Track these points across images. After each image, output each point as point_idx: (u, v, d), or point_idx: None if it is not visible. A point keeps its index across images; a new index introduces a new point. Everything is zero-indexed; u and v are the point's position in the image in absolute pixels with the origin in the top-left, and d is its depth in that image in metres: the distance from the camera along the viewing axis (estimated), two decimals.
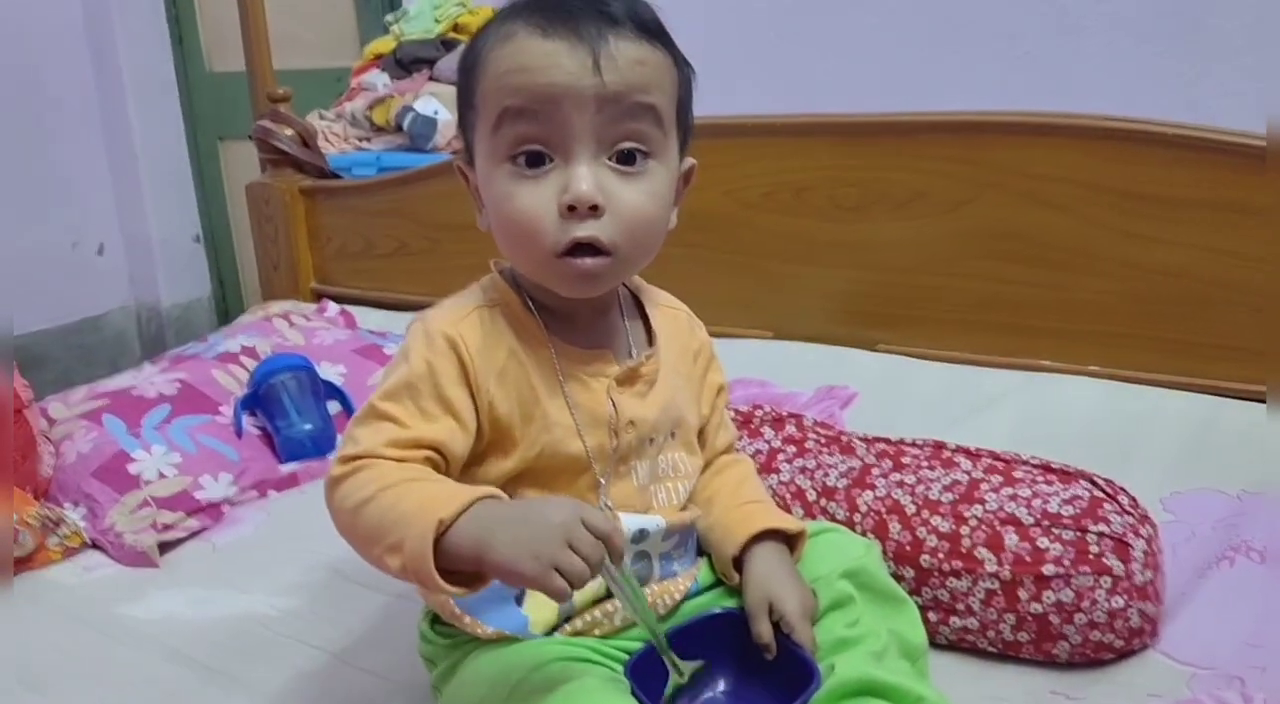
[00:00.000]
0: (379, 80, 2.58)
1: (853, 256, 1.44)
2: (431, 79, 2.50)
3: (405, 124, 2.34)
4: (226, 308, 3.55)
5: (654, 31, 0.80)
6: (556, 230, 0.78)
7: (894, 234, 1.40)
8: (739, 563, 0.88)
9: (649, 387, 0.87)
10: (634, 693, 0.78)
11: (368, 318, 1.84)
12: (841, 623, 0.84)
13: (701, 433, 0.95)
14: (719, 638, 0.84)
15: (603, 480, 0.85)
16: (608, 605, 0.85)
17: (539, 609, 0.84)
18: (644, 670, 0.80)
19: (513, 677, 0.79)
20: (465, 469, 0.83)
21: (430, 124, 2.31)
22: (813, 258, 1.47)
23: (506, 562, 0.69)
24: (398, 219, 1.87)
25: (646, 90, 0.78)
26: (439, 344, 0.80)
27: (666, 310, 0.94)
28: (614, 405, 0.84)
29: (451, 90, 2.47)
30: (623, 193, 0.78)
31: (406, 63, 2.57)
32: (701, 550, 0.93)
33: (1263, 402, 1.20)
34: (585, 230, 0.77)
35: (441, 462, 0.79)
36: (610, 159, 0.78)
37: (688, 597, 0.89)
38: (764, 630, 0.83)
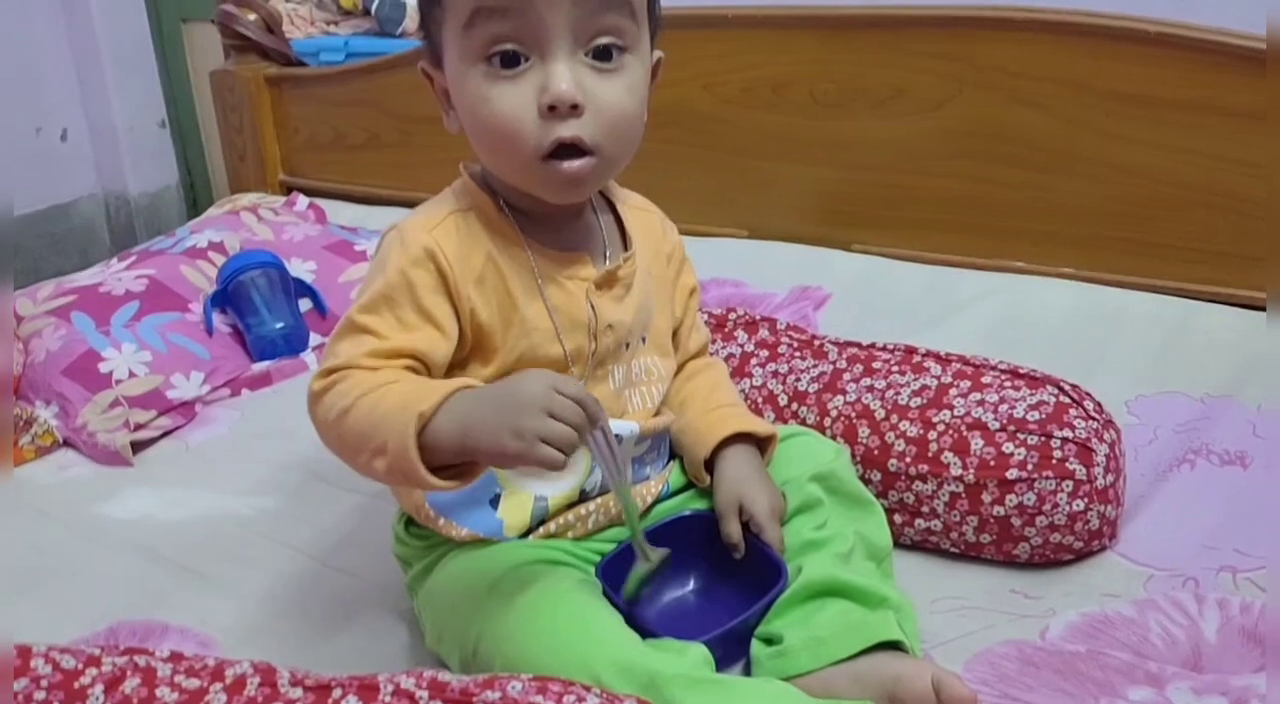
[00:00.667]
0: None
1: (831, 155, 1.42)
2: None
3: (373, 8, 2.27)
4: (195, 197, 3.48)
5: None
6: (538, 132, 0.76)
7: (873, 132, 1.38)
8: (710, 465, 0.89)
9: (626, 289, 0.87)
10: (605, 593, 0.80)
11: (339, 212, 1.81)
12: (810, 525, 0.86)
13: (675, 335, 0.95)
14: (689, 538, 0.86)
15: (583, 385, 0.85)
16: (580, 509, 0.86)
17: (513, 512, 0.85)
18: (615, 571, 0.81)
19: (487, 579, 0.80)
20: (446, 375, 0.82)
21: (399, 8, 2.24)
22: (790, 155, 1.45)
23: (490, 443, 0.69)
24: (368, 109, 1.82)
25: None
26: (415, 253, 0.79)
27: (639, 212, 0.93)
28: (593, 308, 0.84)
29: None
30: (602, 90, 0.77)
31: None
32: (673, 453, 0.94)
33: (1232, 305, 1.21)
34: (568, 130, 0.76)
35: (423, 369, 0.79)
36: (587, 55, 0.76)
37: (659, 499, 0.90)
38: (733, 530, 0.85)
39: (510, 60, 0.75)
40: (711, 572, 0.87)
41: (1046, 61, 1.25)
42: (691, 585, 0.88)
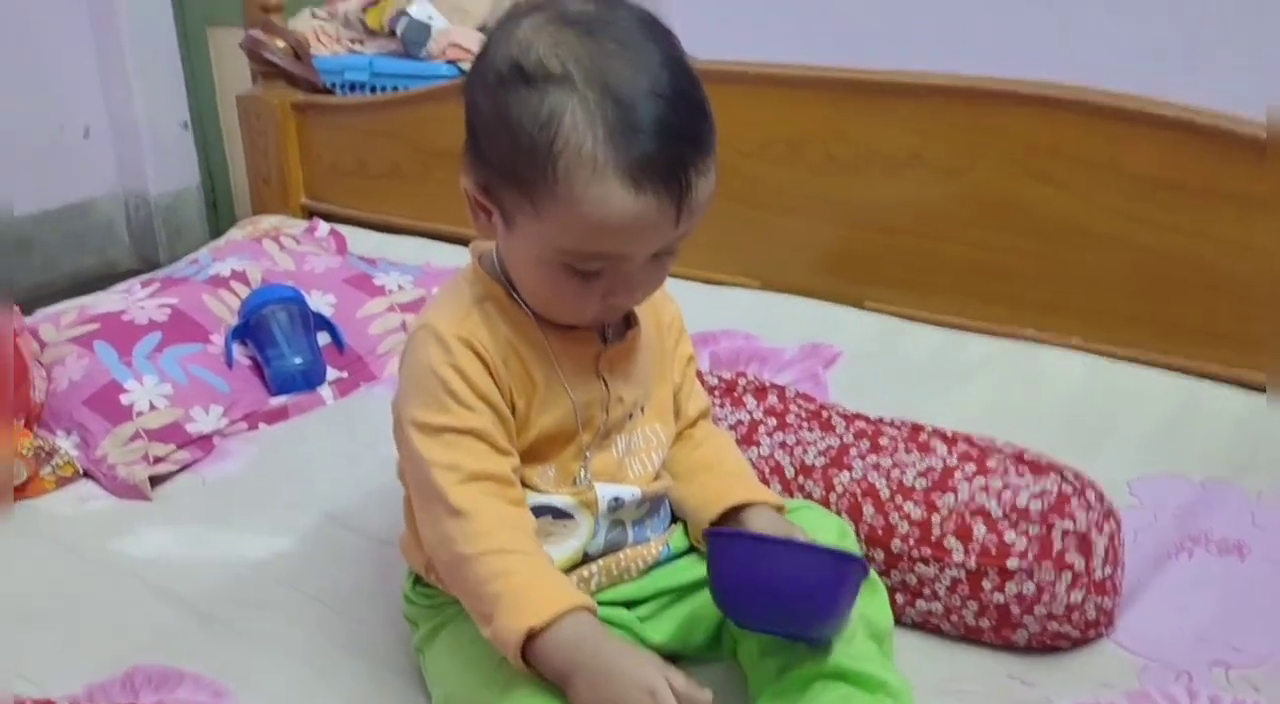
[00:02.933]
0: None
1: (845, 213, 1.44)
2: None
3: (399, 29, 2.29)
4: (215, 199, 3.51)
5: (715, 143, 0.79)
6: (592, 312, 0.83)
7: (888, 194, 1.40)
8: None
9: (632, 364, 0.90)
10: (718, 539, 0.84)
11: (359, 240, 1.84)
12: None
13: (674, 401, 0.98)
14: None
15: (589, 454, 0.88)
16: (583, 570, 0.89)
17: None
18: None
19: (494, 656, 0.83)
20: None
21: (424, 30, 2.27)
22: (805, 211, 1.47)
23: None
24: (391, 140, 1.84)
25: (704, 211, 0.80)
26: (456, 347, 0.82)
27: None
28: (605, 383, 0.87)
29: None
30: (653, 279, 0.83)
31: None
32: (674, 517, 0.96)
33: (1237, 386, 1.23)
34: (619, 311, 0.85)
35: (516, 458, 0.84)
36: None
37: (660, 562, 0.93)
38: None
39: (589, 272, 0.79)
40: None
41: (1064, 138, 1.27)
42: None
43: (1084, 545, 0.93)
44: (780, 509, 0.92)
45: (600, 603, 0.88)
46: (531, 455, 0.87)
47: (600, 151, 0.73)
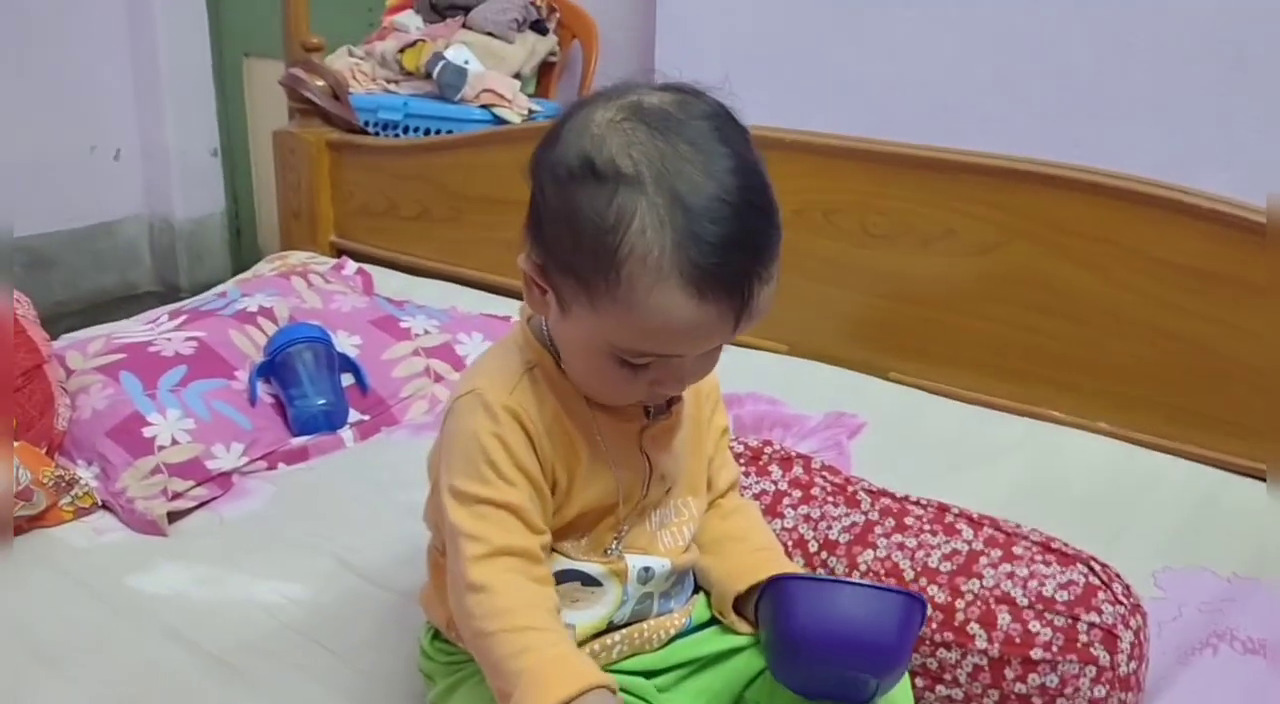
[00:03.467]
0: (412, 22, 2.54)
1: (876, 284, 1.45)
2: (465, 27, 2.46)
3: (435, 72, 2.31)
4: (239, 227, 3.54)
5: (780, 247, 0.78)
6: (638, 398, 0.83)
7: (920, 267, 1.41)
8: (739, 605, 0.91)
9: (675, 439, 0.90)
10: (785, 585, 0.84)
11: (386, 280, 1.85)
12: None
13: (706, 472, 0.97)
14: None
15: (625, 527, 0.88)
16: (606, 639, 0.88)
17: None
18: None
19: None
20: None
21: (460, 74, 2.29)
22: (836, 279, 1.48)
23: None
24: (423, 184, 1.86)
25: (762, 316, 0.79)
26: (503, 417, 0.82)
27: None
28: (648, 460, 0.87)
29: (484, 40, 2.45)
30: (702, 370, 0.83)
31: (441, 7, 2.54)
32: (696, 587, 0.95)
33: (1263, 479, 1.22)
34: (663, 398, 0.85)
35: (548, 536, 0.83)
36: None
37: (682, 633, 0.92)
38: None
39: (639, 365, 0.79)
40: None
41: (1097, 222, 1.28)
42: None
43: (1109, 640, 0.92)
44: None
45: (619, 671, 0.88)
46: (570, 529, 0.86)
47: (666, 261, 0.72)
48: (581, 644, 0.87)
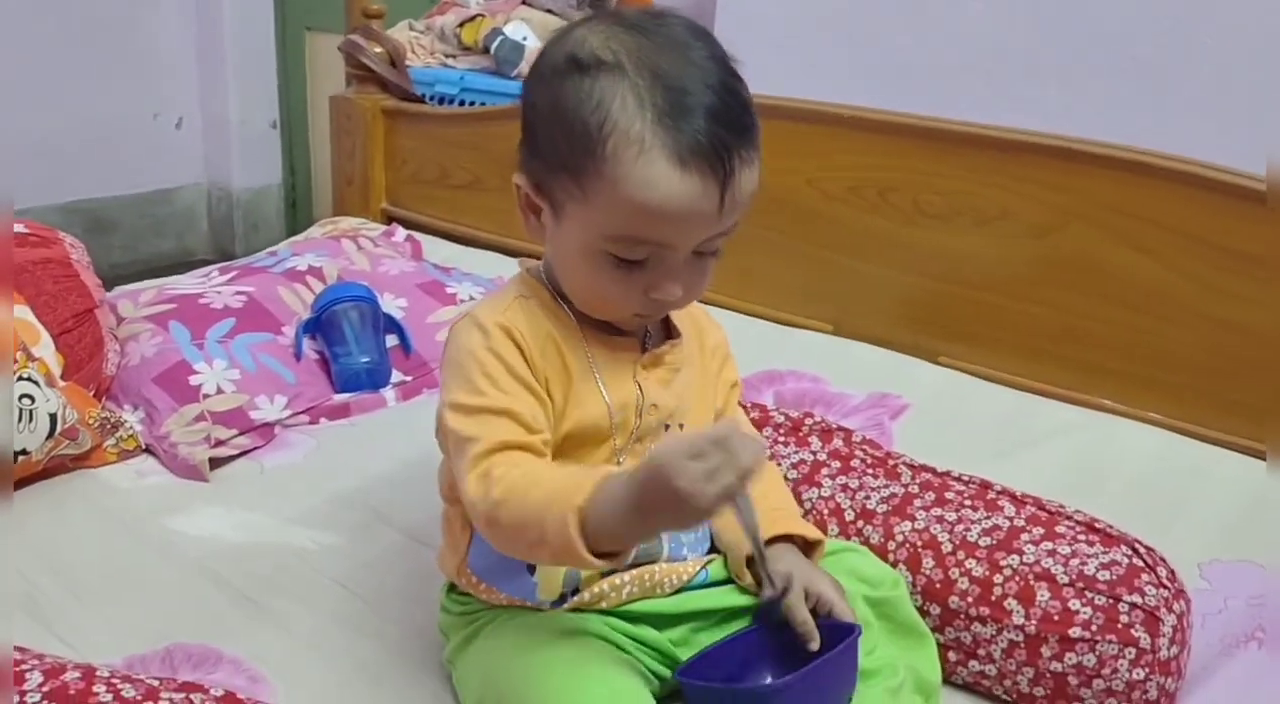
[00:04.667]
0: None
1: (929, 264, 1.42)
2: (524, 3, 2.47)
3: (493, 47, 2.32)
4: (295, 198, 3.58)
5: (760, 139, 0.81)
6: (636, 306, 0.84)
7: (974, 248, 1.38)
8: (752, 563, 0.90)
9: (672, 374, 0.91)
10: (690, 684, 0.83)
11: (435, 249, 1.85)
12: (861, 650, 0.86)
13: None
14: (757, 651, 0.86)
15: (621, 459, 0.88)
16: (615, 579, 0.88)
17: (547, 578, 0.87)
18: (697, 674, 0.83)
19: (525, 654, 0.83)
20: None
21: (518, 50, 2.30)
22: (887, 259, 1.45)
23: (689, 528, 0.78)
24: (475, 153, 1.86)
25: (746, 206, 0.81)
26: (495, 333, 0.84)
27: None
28: (640, 388, 0.88)
29: (543, 16, 2.45)
30: (697, 276, 0.84)
31: None
32: (715, 548, 0.95)
33: None
34: (660, 307, 0.85)
35: (548, 434, 0.84)
36: (694, 251, 0.82)
37: (695, 585, 0.91)
38: (806, 617, 0.85)
39: (633, 262, 0.81)
40: (787, 669, 0.86)
41: (1156, 206, 1.25)
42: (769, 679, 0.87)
43: (1151, 622, 0.89)
44: (816, 546, 0.91)
45: (631, 617, 0.87)
46: (563, 453, 0.87)
47: (648, 132, 0.76)
48: (589, 584, 0.87)
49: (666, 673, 0.88)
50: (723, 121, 0.77)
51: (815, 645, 0.84)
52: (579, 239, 0.81)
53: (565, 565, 0.80)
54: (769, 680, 0.86)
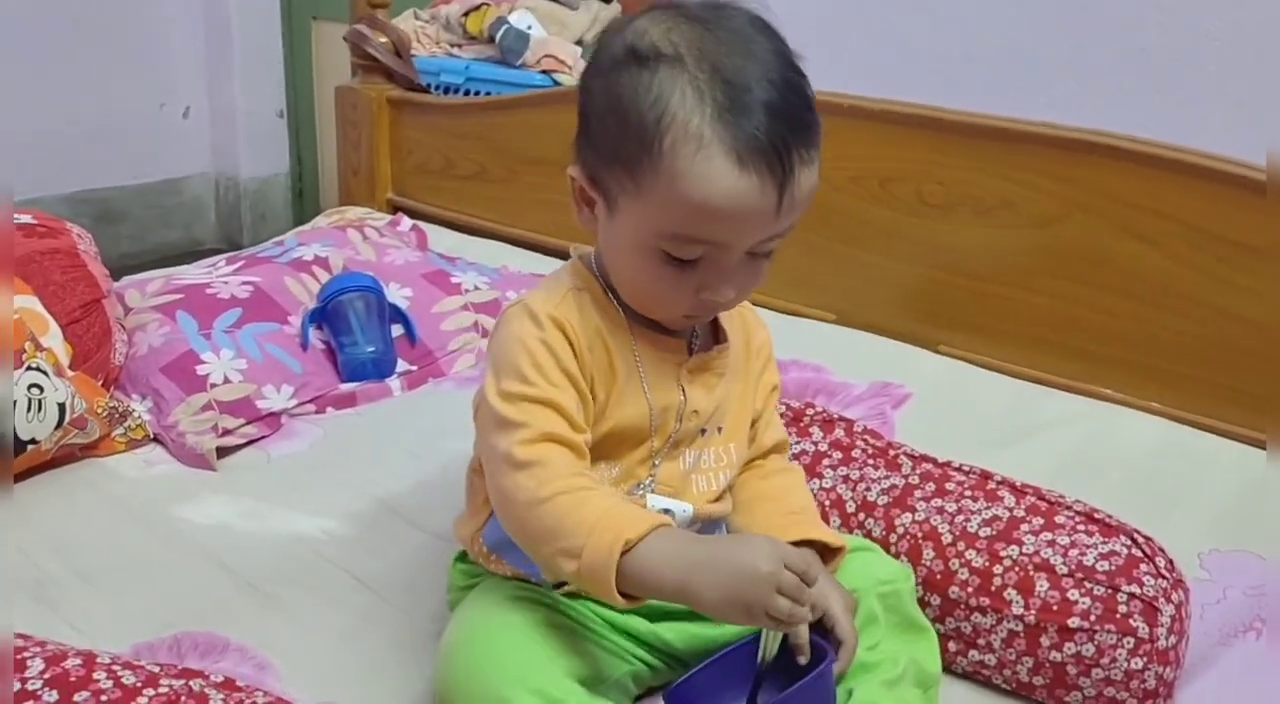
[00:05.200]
0: None
1: (930, 255, 1.43)
2: None
3: (498, 36, 2.32)
4: (302, 188, 3.58)
5: (820, 137, 0.80)
6: (686, 306, 0.83)
7: (975, 239, 1.38)
8: None
9: (716, 379, 0.90)
10: None
11: (440, 238, 1.86)
12: (864, 645, 0.87)
13: (751, 427, 0.97)
14: (751, 665, 0.85)
15: (657, 462, 0.88)
16: None
17: None
18: (686, 694, 0.83)
19: (479, 606, 0.85)
20: None
21: (522, 39, 2.30)
22: (889, 249, 1.46)
23: (718, 611, 0.74)
24: (480, 143, 1.87)
25: (805, 207, 0.80)
26: (548, 324, 0.84)
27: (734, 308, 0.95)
28: (683, 392, 0.88)
29: (548, 6, 2.45)
30: (750, 277, 0.82)
31: None
32: None
33: None
34: (710, 308, 0.84)
35: (589, 435, 0.83)
36: (748, 252, 0.80)
37: None
38: (802, 632, 0.84)
39: (686, 261, 0.79)
40: (778, 689, 0.86)
41: (1159, 196, 1.25)
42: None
43: (1150, 612, 0.90)
44: (838, 552, 0.90)
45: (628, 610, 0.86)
46: (601, 452, 0.87)
47: (707, 128, 0.74)
48: None
49: (657, 663, 0.89)
50: (783, 119, 0.75)
51: (804, 660, 0.84)
52: (632, 235, 0.80)
53: (575, 584, 0.79)
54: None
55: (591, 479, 0.80)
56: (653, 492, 0.88)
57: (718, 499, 0.92)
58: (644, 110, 0.76)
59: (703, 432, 0.90)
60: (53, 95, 3.08)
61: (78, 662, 0.79)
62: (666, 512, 0.87)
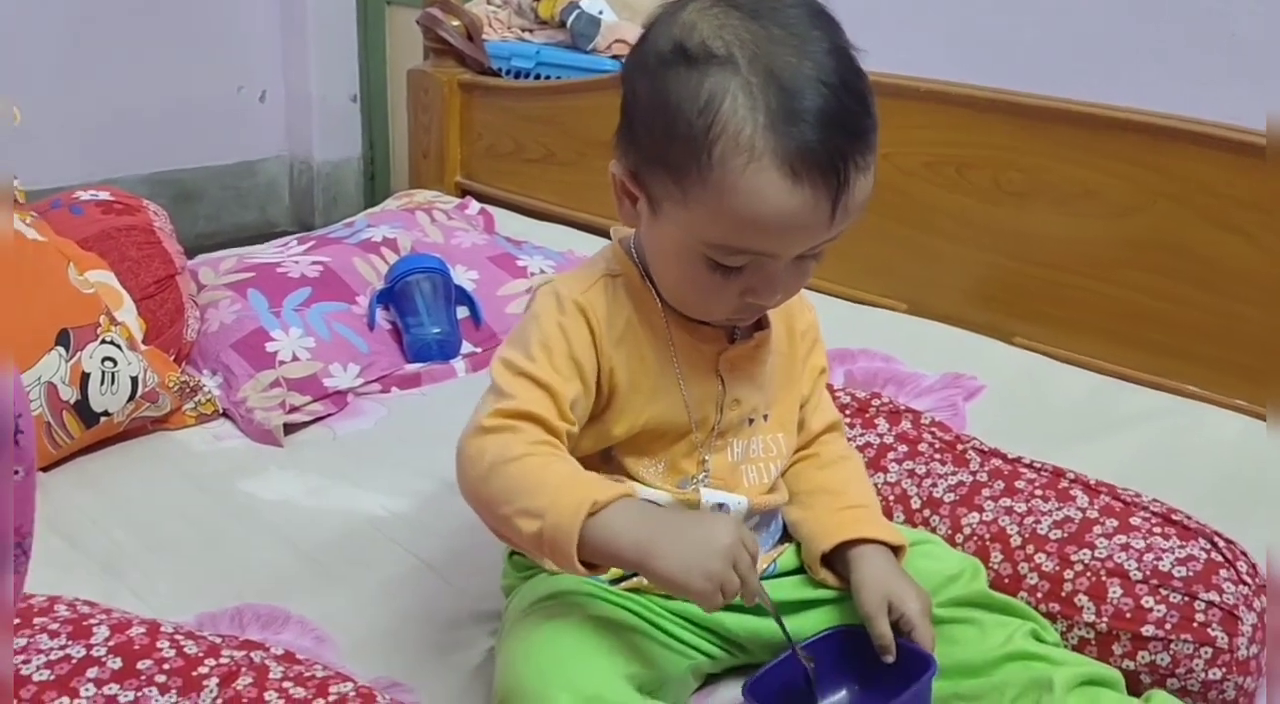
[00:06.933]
0: None
1: (1006, 244, 1.39)
2: None
3: (569, 21, 2.32)
4: (374, 172, 3.62)
5: (877, 140, 0.76)
6: (729, 311, 0.81)
7: (1054, 228, 1.34)
8: (829, 562, 0.88)
9: (758, 367, 0.88)
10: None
11: (507, 222, 1.86)
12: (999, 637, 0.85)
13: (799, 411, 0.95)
14: (837, 653, 0.84)
15: (707, 458, 0.86)
16: None
17: None
18: (764, 688, 0.81)
19: (528, 602, 0.84)
20: (581, 430, 0.84)
21: (594, 24, 2.29)
22: (964, 237, 1.42)
23: (675, 573, 0.72)
24: (549, 127, 1.86)
25: (860, 214, 0.77)
26: (570, 309, 0.82)
27: None
28: (722, 382, 0.86)
29: None
30: (796, 281, 0.80)
31: None
32: (788, 535, 0.93)
33: None
34: (755, 311, 0.82)
35: (575, 427, 0.81)
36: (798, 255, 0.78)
37: (765, 576, 0.90)
38: (884, 631, 0.82)
39: (733, 268, 0.77)
40: (863, 684, 0.85)
41: (1245, 185, 1.20)
42: (844, 697, 0.86)
43: (1229, 621, 0.86)
44: (900, 551, 0.88)
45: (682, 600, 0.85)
46: (640, 448, 0.85)
47: (760, 138, 0.71)
48: None
49: (718, 652, 0.88)
50: (839, 126, 0.72)
51: (891, 658, 0.81)
52: (675, 239, 0.78)
53: (532, 553, 0.78)
54: (841, 695, 0.84)
55: (561, 449, 0.78)
56: (706, 485, 0.86)
57: (770, 490, 0.90)
58: (693, 116, 0.72)
59: (749, 421, 0.88)
60: (134, 80, 3.15)
61: (141, 630, 0.80)
62: (721, 506, 0.86)
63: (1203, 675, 0.86)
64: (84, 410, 1.17)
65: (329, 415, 1.35)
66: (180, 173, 3.32)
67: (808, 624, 0.87)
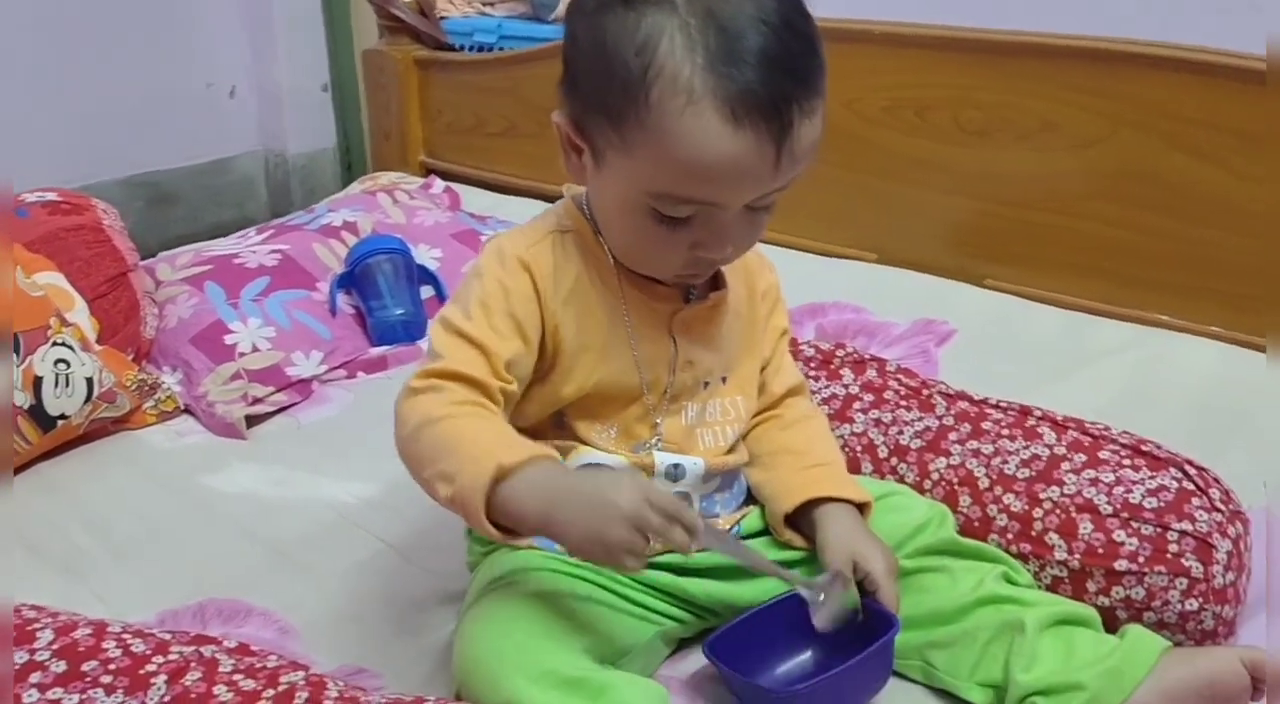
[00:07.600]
0: None
1: (971, 185, 1.36)
2: None
3: None
4: (350, 161, 3.59)
5: (824, 82, 0.73)
6: (679, 263, 0.78)
7: (1017, 165, 1.31)
8: (793, 522, 0.87)
9: (714, 328, 0.86)
10: (718, 668, 0.79)
11: (473, 198, 1.83)
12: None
13: (759, 375, 0.92)
14: (798, 615, 0.82)
15: (659, 420, 0.84)
16: None
17: None
18: (727, 645, 0.80)
19: (487, 579, 0.83)
20: (528, 390, 0.82)
21: None
22: (928, 181, 1.39)
23: (574, 545, 0.70)
24: (509, 98, 1.83)
25: (808, 160, 0.74)
26: (512, 265, 0.80)
27: None
28: (675, 343, 0.83)
29: None
30: (747, 233, 0.77)
31: None
32: (752, 498, 0.92)
33: None
34: (707, 265, 0.79)
35: (510, 381, 0.79)
36: (746, 206, 0.75)
37: None
38: (851, 592, 0.80)
39: (677, 219, 0.75)
40: (825, 645, 0.83)
41: (1210, 107, 1.16)
42: (809, 656, 0.84)
43: (1204, 550, 0.84)
44: (865, 508, 0.86)
45: (653, 566, 0.84)
46: (590, 411, 0.83)
47: (698, 80, 0.68)
48: None
49: (687, 616, 0.86)
50: (783, 68, 0.69)
51: (860, 618, 0.80)
52: (619, 191, 0.75)
53: (458, 513, 0.75)
54: (805, 656, 0.83)
55: (488, 407, 0.76)
56: (659, 449, 0.84)
57: (729, 452, 0.88)
58: (629, 58, 0.70)
59: (705, 385, 0.86)
60: (100, 81, 3.11)
61: (88, 631, 0.78)
62: (677, 467, 0.84)
63: (1179, 607, 0.84)
64: (39, 415, 1.15)
65: (293, 405, 1.33)
66: (156, 175, 3.29)
67: (773, 585, 0.84)
